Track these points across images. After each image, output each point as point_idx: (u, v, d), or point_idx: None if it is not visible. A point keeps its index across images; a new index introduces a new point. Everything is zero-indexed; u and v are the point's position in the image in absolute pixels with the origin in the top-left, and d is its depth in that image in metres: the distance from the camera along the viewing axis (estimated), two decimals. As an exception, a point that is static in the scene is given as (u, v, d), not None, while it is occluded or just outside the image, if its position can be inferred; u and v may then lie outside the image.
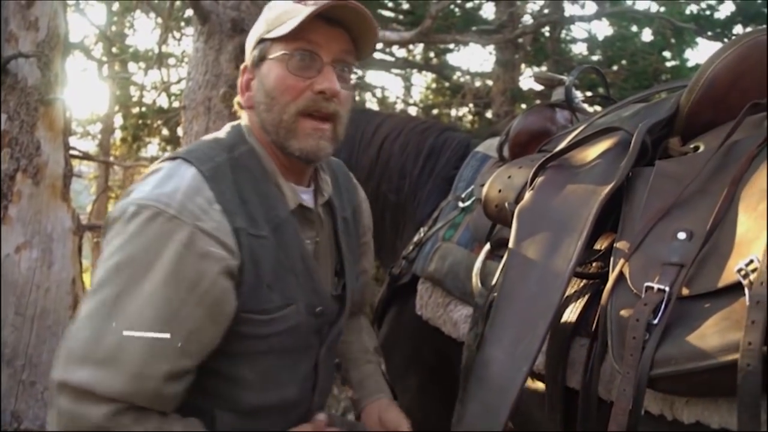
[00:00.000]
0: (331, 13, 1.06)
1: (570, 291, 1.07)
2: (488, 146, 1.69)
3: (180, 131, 4.93)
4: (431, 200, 1.76)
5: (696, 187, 0.97)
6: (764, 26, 1.10)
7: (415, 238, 1.69)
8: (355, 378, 1.46)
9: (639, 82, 5.27)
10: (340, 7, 1.05)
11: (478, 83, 7.25)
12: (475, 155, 1.69)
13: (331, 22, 1.08)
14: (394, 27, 6.20)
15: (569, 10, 6.14)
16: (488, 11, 6.80)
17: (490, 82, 6.74)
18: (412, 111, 7.94)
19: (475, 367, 1.04)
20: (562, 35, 6.26)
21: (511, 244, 1.10)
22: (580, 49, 6.57)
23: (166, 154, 1.16)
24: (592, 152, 1.14)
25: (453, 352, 1.45)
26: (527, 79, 6.89)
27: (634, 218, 1.01)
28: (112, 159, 7.72)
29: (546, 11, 5.80)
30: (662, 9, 5.43)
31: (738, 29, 5.27)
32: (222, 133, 1.16)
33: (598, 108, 1.59)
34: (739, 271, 0.81)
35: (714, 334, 0.82)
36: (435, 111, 7.86)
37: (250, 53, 1.14)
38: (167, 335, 0.94)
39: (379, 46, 6.60)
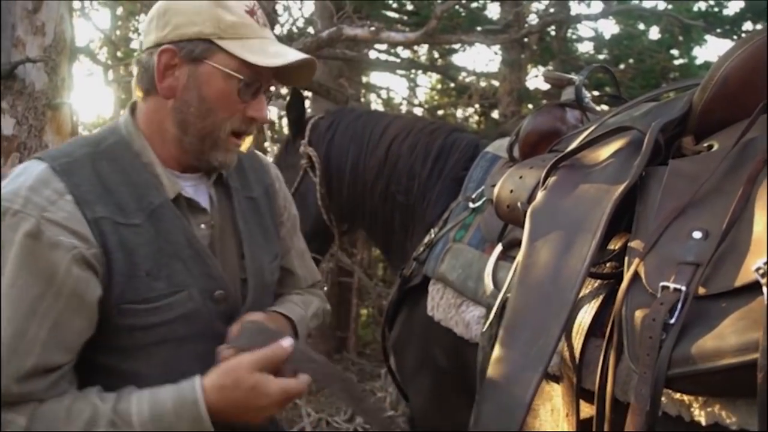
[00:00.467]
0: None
1: (584, 291, 1.07)
2: (498, 147, 1.69)
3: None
4: (441, 201, 1.76)
5: (711, 186, 0.97)
6: (776, 23, 1.10)
7: (426, 239, 1.69)
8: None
9: (646, 80, 5.25)
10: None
11: (483, 83, 7.24)
12: (485, 156, 1.69)
13: None
14: (398, 28, 6.20)
15: (575, 9, 6.14)
16: (493, 11, 6.80)
17: (495, 83, 6.73)
18: (418, 112, 7.93)
19: (491, 368, 1.03)
20: (568, 34, 6.24)
21: (524, 245, 1.10)
22: (586, 48, 6.57)
23: None
24: (604, 152, 1.14)
25: (465, 352, 1.45)
26: (534, 79, 6.89)
27: (649, 218, 1.00)
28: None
29: (552, 10, 5.78)
30: (670, 6, 5.40)
31: (747, 26, 5.24)
32: (97, 130, 1.16)
33: (605, 107, 1.58)
34: (757, 270, 0.80)
35: (732, 334, 0.81)
36: (440, 112, 7.85)
37: (180, 37, 1.07)
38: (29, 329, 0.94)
39: (384, 47, 6.61)
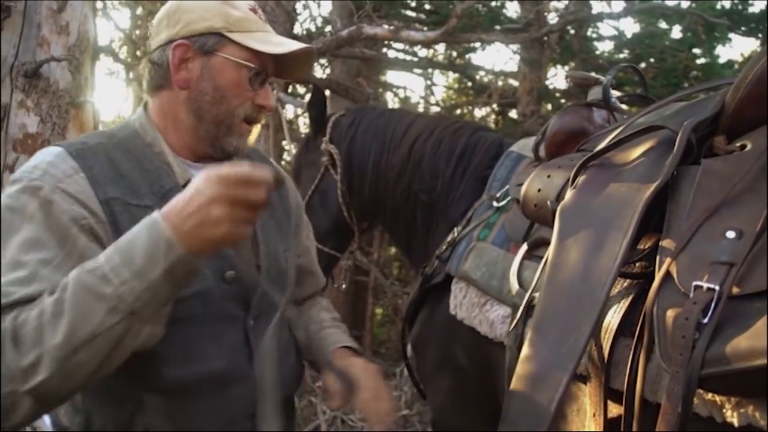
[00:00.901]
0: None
1: (613, 291, 1.06)
2: (522, 146, 1.68)
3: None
4: (464, 200, 1.75)
5: (744, 186, 0.96)
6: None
7: (449, 238, 1.69)
8: (316, 346, 1.42)
9: (668, 79, 5.20)
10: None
11: (501, 82, 7.21)
12: (510, 155, 1.69)
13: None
14: (416, 27, 6.19)
15: (597, 7, 6.10)
16: (513, 10, 6.77)
17: (514, 82, 6.70)
18: (435, 111, 7.92)
19: (519, 366, 1.03)
20: (589, 33, 6.20)
21: (553, 243, 1.09)
22: (607, 47, 6.51)
23: None
24: (635, 151, 1.13)
25: (488, 351, 1.45)
26: (553, 78, 6.85)
27: (681, 217, 0.99)
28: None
29: (572, 9, 5.74)
30: (693, 5, 5.35)
31: (772, 24, 5.17)
32: (110, 126, 1.23)
33: (623, 106, 1.56)
34: (794, 270, 0.80)
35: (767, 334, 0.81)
36: (458, 111, 7.83)
37: (192, 33, 1.15)
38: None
39: (401, 46, 6.61)
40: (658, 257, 0.98)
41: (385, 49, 6.64)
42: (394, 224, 2.04)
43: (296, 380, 1.38)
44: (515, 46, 6.10)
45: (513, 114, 7.04)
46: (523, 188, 1.29)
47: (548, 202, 1.20)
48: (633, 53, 5.78)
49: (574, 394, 1.16)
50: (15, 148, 2.75)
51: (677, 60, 5.32)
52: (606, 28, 6.20)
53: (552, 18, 6.13)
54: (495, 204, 1.59)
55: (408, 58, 7.11)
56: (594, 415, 1.08)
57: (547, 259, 1.12)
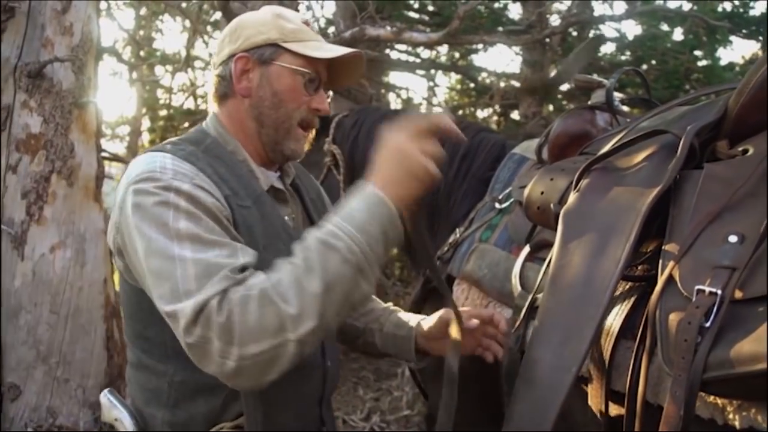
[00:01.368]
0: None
1: (615, 293, 1.06)
2: (525, 148, 1.69)
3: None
4: (467, 201, 1.76)
5: (747, 191, 0.97)
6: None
7: (451, 239, 1.69)
8: (389, 331, 1.45)
9: (669, 81, 5.19)
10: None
11: (503, 84, 7.21)
12: (512, 157, 1.69)
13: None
14: (419, 28, 6.19)
15: (599, 9, 6.09)
16: (515, 12, 6.77)
17: (516, 83, 6.70)
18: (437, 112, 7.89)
19: (523, 368, 1.04)
20: (591, 35, 6.19)
21: (556, 246, 1.10)
22: (608, 49, 6.50)
23: None
24: (638, 155, 1.14)
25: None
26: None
27: (683, 221, 1.00)
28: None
29: (575, 11, 5.73)
30: (695, 7, 5.34)
31: (773, 27, 5.16)
32: (182, 136, 1.27)
33: (625, 109, 1.56)
34: (796, 274, 0.80)
35: (769, 338, 0.81)
36: (460, 112, 7.83)
37: (251, 46, 1.23)
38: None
39: (404, 47, 6.60)
40: (660, 261, 0.99)
41: (387, 51, 6.63)
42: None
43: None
44: (518, 48, 6.09)
45: (515, 115, 7.04)
46: (526, 191, 1.30)
47: (551, 205, 1.20)
48: (635, 55, 5.77)
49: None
50: (18, 148, 2.75)
51: (678, 62, 5.31)
52: (608, 30, 6.20)
53: (554, 20, 6.13)
54: (497, 206, 1.60)
55: (411, 59, 7.10)
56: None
57: (549, 262, 1.13)
